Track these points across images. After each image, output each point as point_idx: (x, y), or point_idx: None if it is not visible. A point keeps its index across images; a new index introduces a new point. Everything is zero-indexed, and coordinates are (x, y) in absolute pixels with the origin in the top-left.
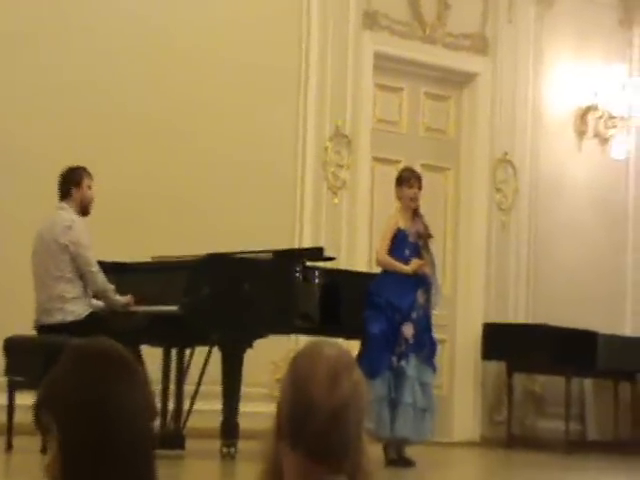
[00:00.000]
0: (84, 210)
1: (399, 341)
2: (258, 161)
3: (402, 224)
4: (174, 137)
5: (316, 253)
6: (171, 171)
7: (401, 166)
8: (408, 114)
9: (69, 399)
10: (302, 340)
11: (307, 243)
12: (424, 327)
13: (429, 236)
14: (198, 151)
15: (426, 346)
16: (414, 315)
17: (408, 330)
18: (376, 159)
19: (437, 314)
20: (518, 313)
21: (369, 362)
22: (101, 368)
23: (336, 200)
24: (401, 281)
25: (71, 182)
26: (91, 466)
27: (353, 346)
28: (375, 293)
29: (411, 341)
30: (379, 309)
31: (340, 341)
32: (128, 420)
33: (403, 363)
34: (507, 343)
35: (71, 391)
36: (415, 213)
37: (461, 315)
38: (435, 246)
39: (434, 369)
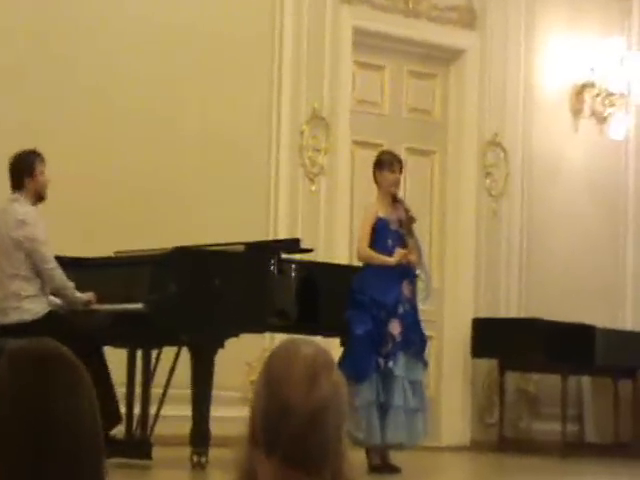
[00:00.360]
0: (39, 197)
1: (385, 340)
2: (229, 146)
3: (382, 212)
4: (136, 120)
5: (292, 245)
6: (134, 157)
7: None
8: (390, 94)
9: (3, 409)
10: (278, 339)
11: (282, 234)
12: (411, 322)
13: (412, 220)
14: (163, 135)
15: (415, 342)
16: (400, 310)
17: (395, 327)
18: (356, 143)
19: (423, 309)
20: (510, 307)
21: (354, 365)
22: (39, 373)
23: (313, 187)
24: (384, 274)
25: (23, 172)
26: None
27: (332, 344)
28: (358, 291)
29: (398, 339)
30: (363, 308)
31: (318, 339)
32: (70, 430)
33: (391, 364)
34: (498, 339)
35: (5, 401)
36: (394, 199)
37: (449, 309)
38: (420, 233)
39: (425, 364)
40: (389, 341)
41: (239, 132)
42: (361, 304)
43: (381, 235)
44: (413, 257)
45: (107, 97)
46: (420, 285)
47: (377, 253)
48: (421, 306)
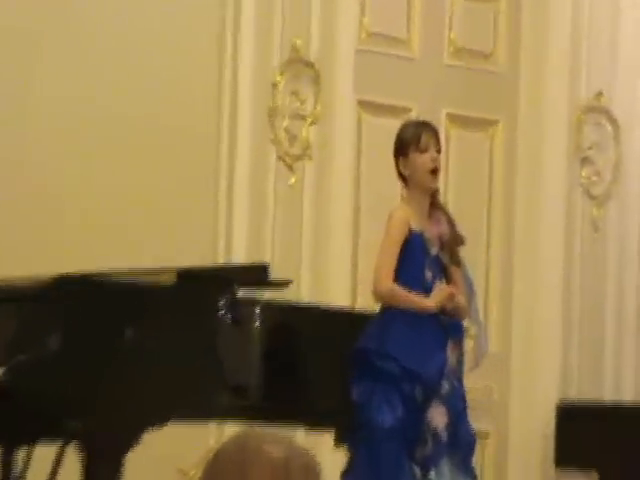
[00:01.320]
0: None
1: (423, 436)
2: (151, 113)
3: (415, 223)
4: (31, 101)
5: (256, 274)
6: (24, 146)
7: (412, 119)
8: (422, 24)
9: None
10: (230, 431)
11: (240, 256)
12: (461, 408)
13: (459, 240)
14: (63, 110)
15: (465, 442)
16: (446, 388)
17: (438, 417)
18: (365, 105)
19: (473, 386)
20: (621, 387)
21: (375, 478)
22: None
23: (293, 179)
24: (421, 327)
25: None
26: None
27: (321, 444)
28: (378, 353)
29: (443, 435)
30: (389, 382)
31: (298, 435)
32: None
33: (432, 475)
34: (600, 438)
35: None
36: (433, 203)
37: (518, 388)
38: (469, 258)
39: (473, 477)
40: (429, 439)
41: (172, 86)
42: (386, 376)
43: (415, 261)
44: (462, 299)
45: None
46: (475, 335)
47: (407, 290)
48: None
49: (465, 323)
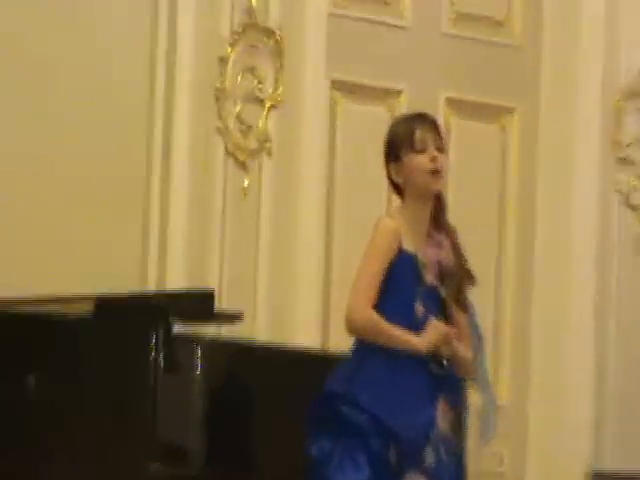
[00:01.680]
0: None
1: None
2: (62, 96)
3: (407, 240)
4: None
5: (197, 304)
6: None
7: (401, 105)
8: None
9: None
10: None
11: (177, 280)
12: None
13: (467, 279)
14: None
15: None
16: (430, 458)
17: None
18: (341, 86)
19: (474, 450)
20: None
21: None
22: None
23: (246, 181)
24: (403, 372)
25: None
26: None
27: None
28: (345, 398)
29: None
30: (355, 436)
31: None
32: None
33: None
34: None
35: None
36: (437, 222)
37: (535, 452)
38: (478, 291)
39: None
40: None
41: (85, 60)
42: (349, 427)
43: (403, 287)
44: (463, 346)
45: None
46: (480, 408)
47: (390, 323)
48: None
49: (467, 378)
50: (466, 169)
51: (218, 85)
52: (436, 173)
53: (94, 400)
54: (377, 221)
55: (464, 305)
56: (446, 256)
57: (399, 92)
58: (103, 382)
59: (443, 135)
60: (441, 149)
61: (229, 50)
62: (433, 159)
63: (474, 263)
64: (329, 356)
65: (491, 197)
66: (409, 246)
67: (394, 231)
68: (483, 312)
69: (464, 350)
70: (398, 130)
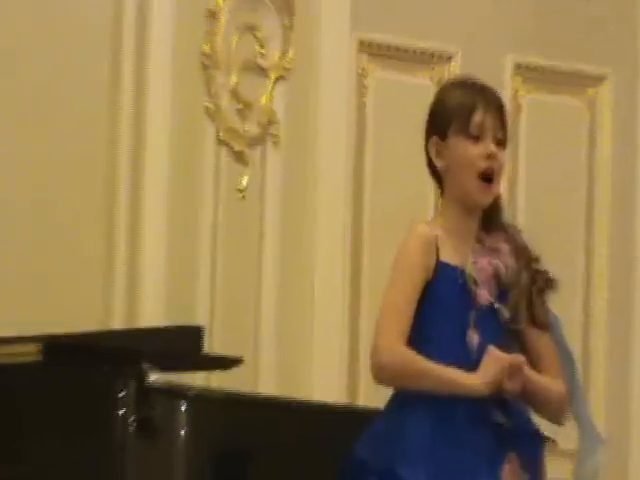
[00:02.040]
0: None
1: None
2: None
3: (447, 250)
4: None
5: (182, 345)
6: None
7: (452, 74)
8: None
9: None
10: None
11: (154, 315)
12: None
13: (545, 283)
14: None
15: None
16: None
17: None
18: (371, 49)
19: None
20: None
21: None
22: None
23: (245, 179)
24: (455, 426)
25: None
26: None
27: None
28: (375, 467)
29: None
30: None
31: None
32: None
33: None
34: None
35: None
36: (490, 219)
37: None
38: (558, 304)
39: None
40: None
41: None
42: None
43: (447, 311)
44: (548, 377)
45: None
46: (580, 453)
47: (432, 360)
48: None
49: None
50: (542, 155)
51: (206, 49)
52: (488, 179)
53: (42, 474)
54: (409, 227)
55: (542, 321)
56: (505, 262)
57: (449, 57)
58: (53, 450)
59: (507, 125)
60: (502, 143)
61: (221, 1)
62: (489, 156)
63: (555, 268)
64: (357, 412)
65: (575, 190)
66: (452, 258)
67: (427, 239)
68: (569, 327)
69: (548, 381)
70: (451, 99)
